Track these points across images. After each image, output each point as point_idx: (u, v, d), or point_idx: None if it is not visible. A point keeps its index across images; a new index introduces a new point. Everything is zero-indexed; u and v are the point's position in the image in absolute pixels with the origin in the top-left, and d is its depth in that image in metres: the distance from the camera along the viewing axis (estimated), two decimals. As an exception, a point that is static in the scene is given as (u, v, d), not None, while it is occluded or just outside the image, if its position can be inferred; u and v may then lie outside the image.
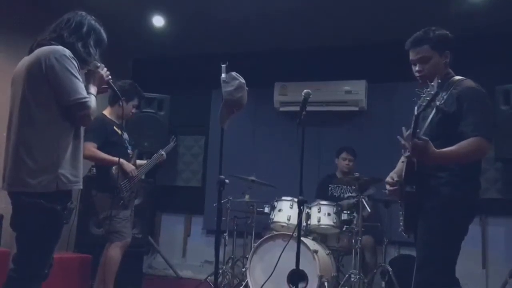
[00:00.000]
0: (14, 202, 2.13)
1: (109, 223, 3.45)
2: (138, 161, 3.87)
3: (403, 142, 2.17)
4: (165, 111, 5.46)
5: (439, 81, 2.07)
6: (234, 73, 2.55)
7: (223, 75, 2.53)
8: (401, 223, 2.43)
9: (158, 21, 5.14)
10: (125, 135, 3.81)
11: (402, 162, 2.50)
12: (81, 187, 2.22)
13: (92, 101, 2.19)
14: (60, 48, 2.15)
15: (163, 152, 4.05)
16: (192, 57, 5.91)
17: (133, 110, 3.83)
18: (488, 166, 4.67)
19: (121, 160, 3.55)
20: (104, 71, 2.35)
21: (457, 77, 2.36)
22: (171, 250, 5.83)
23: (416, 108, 2.10)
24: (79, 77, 2.15)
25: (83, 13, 2.31)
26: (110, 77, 2.39)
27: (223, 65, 2.54)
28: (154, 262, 5.85)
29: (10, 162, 2.12)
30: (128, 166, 3.62)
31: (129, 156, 3.73)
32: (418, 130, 2.11)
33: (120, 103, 3.63)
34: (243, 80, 2.56)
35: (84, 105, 2.12)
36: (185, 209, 5.91)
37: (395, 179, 2.41)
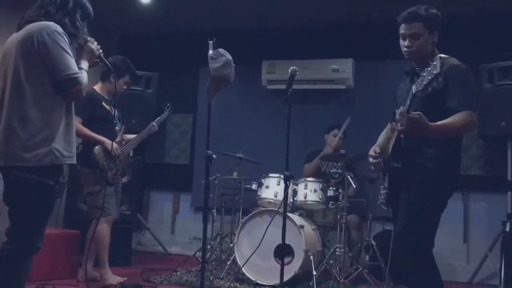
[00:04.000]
0: (7, 177, 2.14)
1: (93, 198, 3.50)
2: (128, 136, 3.85)
3: (397, 117, 2.20)
4: (153, 89, 5.45)
5: (441, 60, 2.08)
6: (221, 50, 2.56)
7: (211, 52, 2.55)
8: (381, 196, 2.50)
9: (144, -3, 5.09)
10: (116, 112, 3.80)
11: (388, 138, 2.56)
12: (75, 162, 2.25)
13: (84, 76, 2.21)
14: (51, 24, 2.16)
15: (154, 124, 4.03)
16: (179, 35, 5.86)
17: (124, 87, 3.82)
18: (470, 143, 4.78)
19: (103, 139, 3.55)
20: (94, 45, 2.35)
21: (441, 55, 2.40)
22: (159, 227, 5.89)
23: (414, 86, 2.12)
24: (70, 52, 2.16)
25: None
26: (101, 51, 2.39)
27: (211, 42, 2.55)
28: (143, 238, 5.91)
29: (2, 136, 2.12)
30: (110, 145, 3.59)
31: (116, 132, 3.72)
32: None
33: (112, 79, 3.63)
34: (230, 57, 2.57)
35: (75, 80, 2.14)
36: (173, 187, 5.96)
37: (378, 151, 2.47)
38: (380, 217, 4.82)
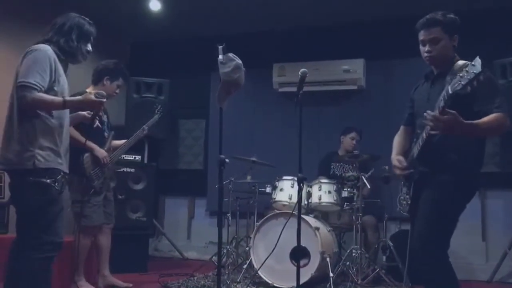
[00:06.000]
0: (10, 180, 2.38)
1: (78, 206, 3.46)
2: (116, 142, 3.81)
3: (429, 118, 2.18)
4: (165, 95, 5.48)
5: (480, 60, 2.07)
6: (231, 54, 2.57)
7: (220, 57, 2.55)
8: (403, 201, 2.51)
9: (154, 5, 5.13)
10: (105, 117, 3.76)
11: (404, 141, 2.54)
12: (63, 168, 2.42)
13: (41, 94, 2.29)
14: (43, 46, 2.38)
15: (145, 127, 3.97)
16: (189, 40, 5.91)
17: (117, 91, 3.74)
18: (486, 140, 4.71)
19: (94, 146, 3.52)
20: (96, 102, 2.48)
21: (463, 61, 2.38)
22: (175, 233, 5.92)
23: (450, 86, 2.09)
24: (41, 70, 2.30)
25: (70, 14, 2.54)
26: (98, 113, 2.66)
27: (220, 47, 2.57)
28: (159, 244, 5.95)
29: (1, 145, 2.38)
30: (100, 153, 3.56)
31: (105, 139, 3.68)
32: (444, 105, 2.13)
33: (105, 82, 3.64)
34: (240, 61, 2.58)
35: (23, 88, 2.27)
36: (188, 192, 5.99)
37: (404, 164, 2.49)
38: (397, 217, 4.78)
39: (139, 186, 4.74)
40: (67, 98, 2.41)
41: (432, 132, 2.22)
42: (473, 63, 2.04)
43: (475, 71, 2.02)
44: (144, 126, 3.98)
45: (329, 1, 4.92)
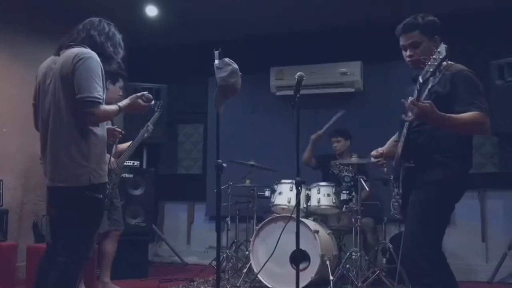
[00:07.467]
0: (58, 195, 2.27)
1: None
2: (121, 145, 3.79)
3: (407, 104, 2.18)
4: (163, 100, 5.47)
5: (446, 46, 2.07)
6: (227, 59, 2.57)
7: (216, 62, 2.56)
8: (395, 203, 2.51)
9: (151, 11, 5.14)
10: (109, 123, 3.74)
11: (395, 141, 2.57)
12: (107, 179, 2.36)
13: (105, 106, 2.22)
14: (89, 50, 2.25)
15: (149, 124, 3.92)
16: (187, 45, 5.91)
17: (120, 93, 3.71)
18: (484, 141, 4.73)
19: None
20: (143, 106, 2.41)
21: (449, 62, 2.40)
22: (175, 238, 5.91)
23: (421, 76, 2.13)
24: (99, 81, 2.21)
25: (98, 19, 2.45)
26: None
27: (216, 52, 2.57)
28: (159, 250, 5.94)
29: (49, 160, 2.26)
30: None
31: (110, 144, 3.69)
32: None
33: (107, 87, 3.58)
34: (236, 66, 2.59)
35: (89, 103, 2.15)
36: (187, 197, 5.98)
37: (380, 151, 2.57)
38: (396, 219, 4.76)
39: (138, 192, 4.74)
40: (120, 104, 2.33)
41: (407, 119, 2.21)
42: (438, 49, 2.06)
43: (440, 57, 2.04)
44: (147, 124, 3.94)
45: (326, 4, 4.93)
